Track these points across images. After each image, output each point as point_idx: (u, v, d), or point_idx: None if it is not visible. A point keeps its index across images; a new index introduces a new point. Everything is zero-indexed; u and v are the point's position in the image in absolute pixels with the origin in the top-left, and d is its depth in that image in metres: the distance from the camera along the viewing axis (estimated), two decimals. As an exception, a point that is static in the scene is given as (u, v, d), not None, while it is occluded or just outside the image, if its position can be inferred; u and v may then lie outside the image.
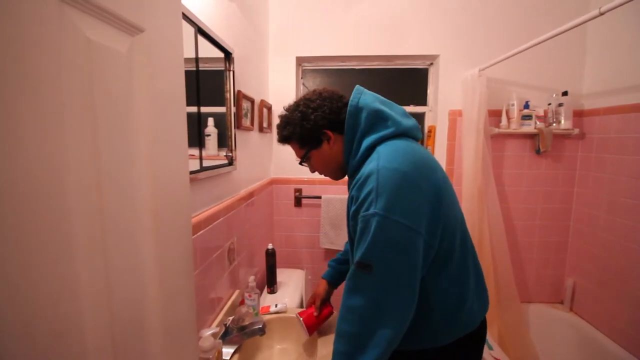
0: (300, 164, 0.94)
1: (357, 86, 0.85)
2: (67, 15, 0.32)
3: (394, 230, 0.67)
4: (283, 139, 0.92)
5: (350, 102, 0.82)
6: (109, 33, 0.39)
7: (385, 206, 0.67)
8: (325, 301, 1.11)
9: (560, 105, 1.80)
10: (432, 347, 0.78)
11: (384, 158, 0.72)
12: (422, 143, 2.01)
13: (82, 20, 0.34)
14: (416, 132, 0.85)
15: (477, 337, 0.84)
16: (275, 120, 1.84)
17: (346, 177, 0.92)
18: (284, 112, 0.91)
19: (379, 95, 0.85)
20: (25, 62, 0.28)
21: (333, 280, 1.12)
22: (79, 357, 0.35)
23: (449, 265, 0.76)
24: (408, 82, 2.07)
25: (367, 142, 0.79)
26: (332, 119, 0.84)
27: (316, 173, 0.94)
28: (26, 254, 0.28)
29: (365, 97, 0.82)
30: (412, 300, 0.69)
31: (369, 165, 0.73)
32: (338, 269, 1.11)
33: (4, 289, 0.26)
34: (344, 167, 0.89)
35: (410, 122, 0.84)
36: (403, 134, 0.80)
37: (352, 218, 0.76)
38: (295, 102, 0.90)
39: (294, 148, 0.92)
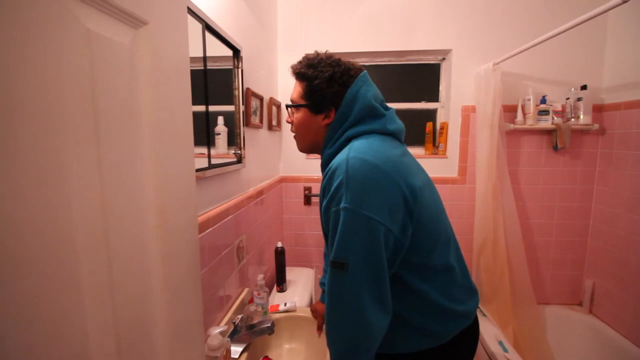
0: (287, 106, 0.88)
1: (365, 72, 0.81)
2: (65, 5, 0.32)
3: (364, 225, 0.65)
4: (299, 75, 0.83)
5: (350, 89, 0.78)
6: (111, 25, 0.38)
7: (354, 200, 0.65)
8: None
9: (579, 99, 1.74)
10: (431, 347, 0.75)
11: (355, 149, 0.70)
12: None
13: (81, 11, 0.33)
14: (400, 135, 0.83)
15: (472, 335, 0.82)
16: (284, 118, 1.83)
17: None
18: (322, 55, 0.82)
19: (379, 93, 0.82)
20: (22, 54, 0.27)
21: None
22: (82, 357, 0.34)
23: (432, 261, 0.74)
24: (419, 77, 2.02)
25: (348, 133, 0.77)
26: None
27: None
28: (24, 251, 0.27)
29: (367, 89, 0.79)
30: (388, 288, 0.68)
31: (340, 157, 0.71)
32: None
33: (1, 288, 0.25)
34: (317, 148, 0.86)
35: (398, 125, 0.82)
36: (387, 134, 0.78)
37: (324, 213, 0.73)
38: (337, 59, 0.81)
39: (296, 87, 0.84)
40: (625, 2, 0.98)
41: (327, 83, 0.78)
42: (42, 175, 0.29)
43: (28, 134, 0.27)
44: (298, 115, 0.85)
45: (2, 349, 0.26)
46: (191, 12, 0.82)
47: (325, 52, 0.83)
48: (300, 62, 0.83)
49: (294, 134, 0.89)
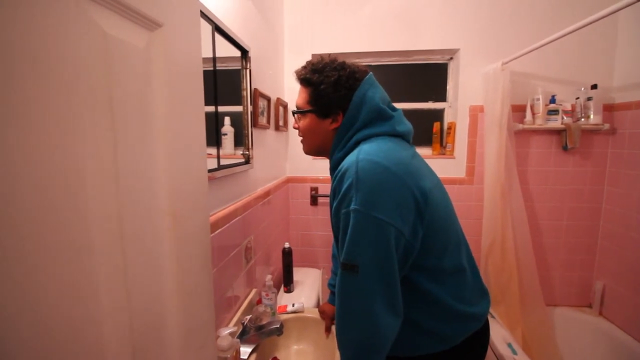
0: (293, 113, 0.87)
1: (371, 75, 0.81)
2: (83, 8, 0.32)
3: (374, 227, 0.64)
4: (304, 81, 0.82)
5: (357, 93, 0.77)
6: (127, 27, 0.38)
7: (364, 202, 0.65)
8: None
9: (589, 99, 1.71)
10: (442, 350, 0.75)
11: (364, 152, 0.70)
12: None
13: (98, 13, 0.33)
14: (409, 136, 0.83)
15: (482, 337, 0.81)
16: (291, 119, 1.83)
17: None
18: (326, 60, 0.81)
19: (386, 95, 0.82)
20: (38, 55, 0.27)
21: None
22: (97, 358, 0.34)
23: (443, 263, 0.73)
24: (426, 77, 2.01)
25: (357, 137, 0.77)
26: None
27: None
28: (38, 254, 0.27)
29: (374, 92, 0.78)
30: (399, 291, 0.68)
31: (349, 159, 0.70)
32: None
33: (13, 293, 0.25)
34: (324, 151, 0.86)
35: (407, 126, 0.82)
36: (396, 135, 0.78)
37: (335, 215, 0.73)
38: (341, 62, 0.80)
39: (301, 92, 0.83)
40: (638, 0, 0.96)
41: (333, 87, 0.78)
42: (61, 178, 0.29)
43: (45, 138, 0.27)
44: (305, 121, 0.84)
45: (12, 353, 0.26)
46: (202, 14, 0.82)
47: (329, 56, 0.82)
48: (304, 68, 0.82)
49: (300, 138, 0.89)
